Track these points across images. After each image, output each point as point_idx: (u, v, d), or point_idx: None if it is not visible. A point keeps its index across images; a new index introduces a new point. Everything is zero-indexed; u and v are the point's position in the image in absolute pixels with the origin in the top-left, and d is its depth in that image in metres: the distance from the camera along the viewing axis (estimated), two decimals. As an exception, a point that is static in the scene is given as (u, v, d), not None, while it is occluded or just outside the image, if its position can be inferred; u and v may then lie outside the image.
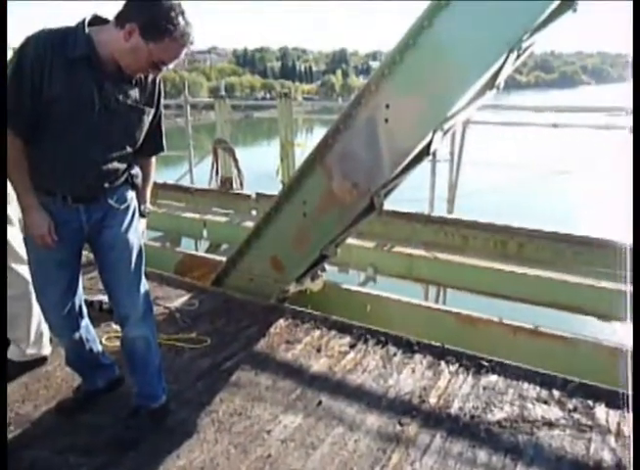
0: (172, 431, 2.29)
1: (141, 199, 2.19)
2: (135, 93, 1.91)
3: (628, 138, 4.61)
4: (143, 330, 2.19)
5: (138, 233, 2.13)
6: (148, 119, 2.00)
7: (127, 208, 2.08)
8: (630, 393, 1.87)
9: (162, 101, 2.06)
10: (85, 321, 2.27)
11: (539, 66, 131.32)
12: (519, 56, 2.92)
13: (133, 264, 2.09)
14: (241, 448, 2.19)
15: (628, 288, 3.62)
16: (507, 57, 2.62)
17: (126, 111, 1.90)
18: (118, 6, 1.78)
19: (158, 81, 1.99)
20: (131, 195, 2.11)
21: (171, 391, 2.44)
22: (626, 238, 4.16)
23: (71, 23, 1.82)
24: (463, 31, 2.56)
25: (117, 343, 2.83)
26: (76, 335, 2.22)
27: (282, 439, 2.24)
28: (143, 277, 2.16)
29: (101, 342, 2.95)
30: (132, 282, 2.12)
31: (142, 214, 2.19)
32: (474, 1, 2.51)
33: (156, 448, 2.18)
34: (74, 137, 1.84)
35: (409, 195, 5.20)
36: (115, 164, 1.96)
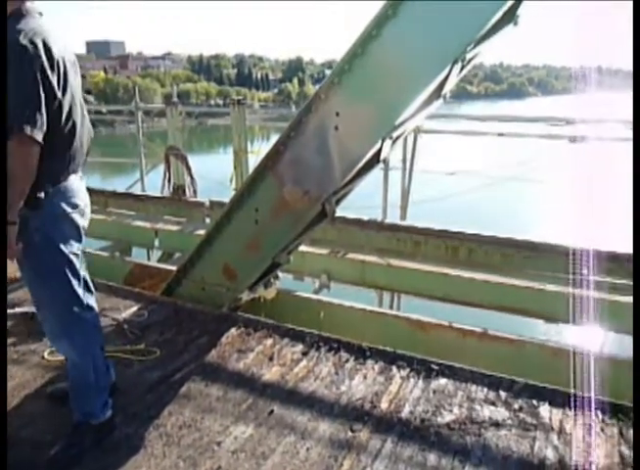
0: (118, 446, 2.22)
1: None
2: None
3: (569, 147, 4.83)
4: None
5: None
6: None
7: None
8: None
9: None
10: None
11: (489, 77, 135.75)
12: (463, 67, 3.00)
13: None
14: (190, 462, 2.15)
15: (575, 291, 3.79)
16: (452, 67, 2.70)
17: None
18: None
19: None
20: None
21: (118, 404, 2.37)
22: (573, 242, 4.35)
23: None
24: (409, 42, 2.63)
25: (61, 357, 2.74)
26: None
27: (232, 450, 2.21)
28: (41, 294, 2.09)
29: (43, 357, 2.85)
30: None
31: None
32: (420, 13, 2.57)
33: (100, 465, 2.11)
34: None
35: (362, 202, 5.27)
36: None
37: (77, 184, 2.10)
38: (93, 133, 2.22)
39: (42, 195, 1.93)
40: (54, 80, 1.84)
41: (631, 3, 1.94)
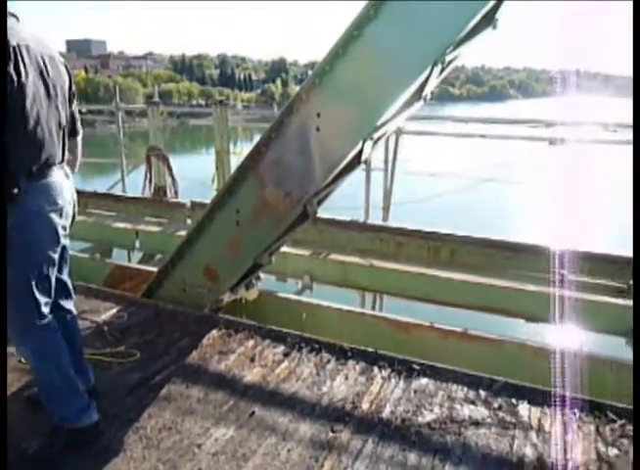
0: (97, 449, 2.19)
1: None
2: None
3: (548, 149, 4.90)
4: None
5: None
6: None
7: None
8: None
9: None
10: None
11: (471, 79, 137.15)
12: (443, 69, 3.03)
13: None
14: (170, 464, 2.13)
15: (555, 291, 3.85)
16: (432, 69, 2.72)
17: None
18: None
19: None
20: None
21: (98, 407, 2.33)
22: (553, 242, 4.41)
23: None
24: (390, 43, 2.64)
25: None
26: None
27: (213, 452, 2.19)
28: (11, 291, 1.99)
29: (20, 360, 2.80)
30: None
31: None
32: (400, 14, 2.59)
33: (79, 468, 2.08)
34: None
35: (345, 203, 5.29)
36: None
37: (60, 181, 2.06)
38: (79, 130, 2.19)
39: (16, 190, 1.89)
40: (10, 68, 1.80)
41: (629, 3, 1.96)
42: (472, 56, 3.13)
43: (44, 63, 1.97)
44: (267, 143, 3.02)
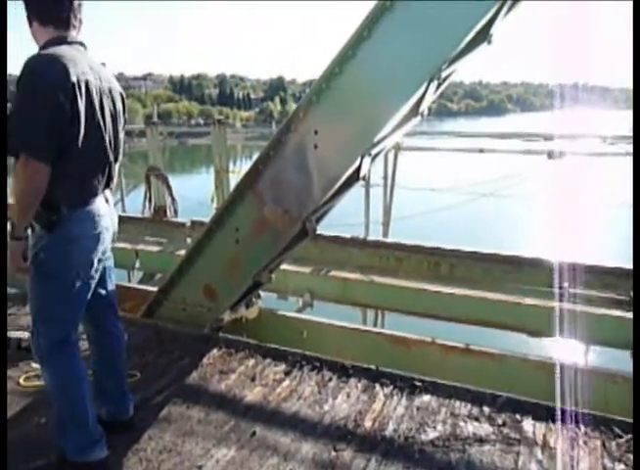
0: (96, 473, 2.17)
1: None
2: None
3: (547, 163, 4.92)
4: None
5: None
6: None
7: None
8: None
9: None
10: None
11: (469, 94, 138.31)
12: (439, 85, 3.07)
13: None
14: (170, 487, 2.11)
15: (557, 305, 3.84)
16: (428, 85, 2.76)
17: None
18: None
19: None
20: None
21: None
22: (553, 255, 4.41)
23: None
24: (385, 61, 2.69)
25: (37, 382, 2.69)
26: None
27: (214, 473, 2.17)
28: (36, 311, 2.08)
29: (18, 382, 2.79)
30: None
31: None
32: (394, 34, 2.64)
33: (77, 493, 2.06)
34: None
35: (345, 220, 5.30)
36: None
37: (102, 208, 2.10)
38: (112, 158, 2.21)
39: (55, 217, 1.94)
40: (65, 102, 1.84)
41: (630, 4, 1.99)
42: (469, 71, 3.18)
43: (101, 97, 2.03)
44: (265, 161, 3.04)
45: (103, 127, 2.05)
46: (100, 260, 2.15)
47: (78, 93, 1.89)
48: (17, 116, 1.84)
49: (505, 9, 2.74)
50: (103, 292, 2.28)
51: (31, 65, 1.86)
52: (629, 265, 3.82)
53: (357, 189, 4.09)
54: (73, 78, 1.87)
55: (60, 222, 1.95)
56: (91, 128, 1.98)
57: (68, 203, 1.97)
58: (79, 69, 1.91)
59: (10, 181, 1.98)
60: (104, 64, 2.19)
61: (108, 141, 2.10)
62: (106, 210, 2.14)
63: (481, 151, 5.52)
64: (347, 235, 5.31)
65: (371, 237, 5.36)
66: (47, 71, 1.84)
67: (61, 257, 1.99)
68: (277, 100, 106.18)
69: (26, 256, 1.94)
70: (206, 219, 5.69)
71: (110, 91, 2.10)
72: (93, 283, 2.14)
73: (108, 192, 2.20)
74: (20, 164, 1.83)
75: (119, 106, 2.19)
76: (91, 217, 2.04)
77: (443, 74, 2.92)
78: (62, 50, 1.92)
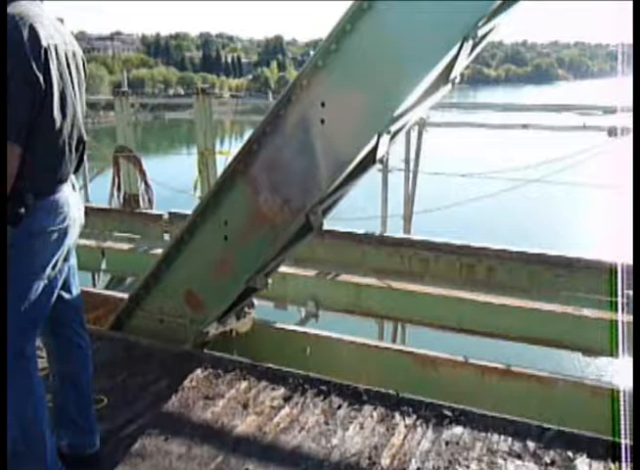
0: (55, 519, 2.19)
1: None
2: None
3: (607, 141, 4.91)
4: None
5: None
6: None
7: None
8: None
9: None
10: None
11: (510, 58, 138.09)
12: (475, 45, 3.07)
13: None
14: None
15: (621, 317, 3.83)
16: (461, 46, 2.75)
17: None
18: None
19: None
20: None
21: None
22: (617, 256, 4.41)
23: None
24: (410, 15, 2.67)
25: None
26: None
27: (197, 521, 2.20)
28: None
29: None
30: None
31: None
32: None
33: None
34: None
35: (357, 213, 5.31)
36: None
37: (69, 196, 2.12)
38: (86, 137, 2.24)
39: (23, 210, 1.95)
40: (37, 71, 1.85)
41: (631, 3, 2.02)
42: (510, 29, 3.17)
43: (68, 65, 2.04)
44: (260, 140, 3.05)
45: (75, 100, 2.07)
46: (65, 259, 2.16)
47: (50, 60, 1.90)
48: None
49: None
50: (67, 296, 2.30)
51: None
52: None
53: (373, 174, 4.10)
54: (44, 43, 1.87)
55: (26, 215, 1.96)
56: (64, 102, 1.99)
57: (34, 190, 1.98)
58: (47, 31, 1.92)
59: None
60: (61, 20, 2.20)
61: (79, 120, 2.11)
62: (74, 198, 2.16)
63: (525, 127, 5.52)
64: (361, 231, 5.32)
65: (389, 233, 5.37)
66: (13, 35, 1.83)
67: (22, 254, 2.01)
68: (274, 65, 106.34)
69: None
70: (188, 211, 5.75)
71: (74, 56, 2.12)
72: (57, 286, 2.16)
73: (73, 177, 2.22)
74: None
75: (83, 75, 2.20)
76: (59, 206, 2.06)
77: (480, 32, 2.91)
78: (22, 6, 1.91)
